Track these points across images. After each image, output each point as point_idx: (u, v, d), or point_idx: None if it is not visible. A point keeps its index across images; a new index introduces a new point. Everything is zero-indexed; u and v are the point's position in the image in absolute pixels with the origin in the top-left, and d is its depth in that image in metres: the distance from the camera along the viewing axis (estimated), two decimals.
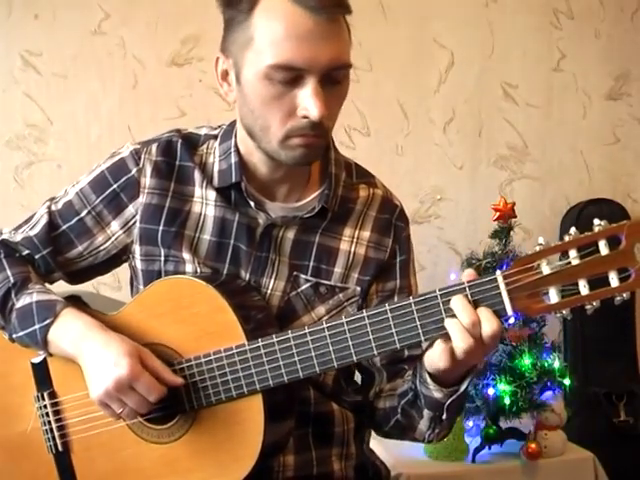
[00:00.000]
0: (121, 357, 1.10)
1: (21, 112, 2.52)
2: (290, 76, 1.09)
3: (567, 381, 2.30)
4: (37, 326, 1.18)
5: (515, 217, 2.37)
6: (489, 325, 1.01)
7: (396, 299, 1.28)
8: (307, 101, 1.10)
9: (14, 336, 1.22)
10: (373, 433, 1.38)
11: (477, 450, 2.22)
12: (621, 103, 2.89)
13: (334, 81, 1.13)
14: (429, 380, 1.13)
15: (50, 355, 1.22)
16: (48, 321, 1.18)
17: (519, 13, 2.79)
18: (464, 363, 1.07)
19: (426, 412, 1.18)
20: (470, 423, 2.28)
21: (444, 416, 1.17)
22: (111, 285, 2.31)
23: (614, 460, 2.36)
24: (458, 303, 1.03)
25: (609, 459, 2.32)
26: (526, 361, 2.22)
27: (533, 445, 2.21)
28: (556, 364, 2.28)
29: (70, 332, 1.17)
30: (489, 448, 2.25)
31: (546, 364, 2.26)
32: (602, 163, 2.89)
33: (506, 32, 2.78)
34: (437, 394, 1.14)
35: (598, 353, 2.66)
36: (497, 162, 2.81)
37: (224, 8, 1.16)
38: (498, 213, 2.35)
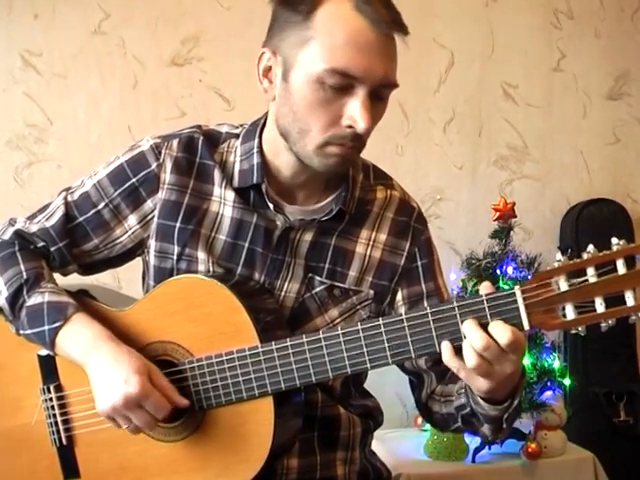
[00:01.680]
0: (131, 374, 1.10)
1: (21, 112, 2.52)
2: (342, 83, 1.09)
3: (567, 381, 2.31)
4: (46, 327, 1.18)
5: (515, 217, 2.37)
6: (503, 336, 1.00)
7: (426, 304, 1.27)
8: (356, 111, 1.10)
9: (21, 332, 1.22)
10: (374, 435, 1.38)
11: (477, 450, 2.22)
12: (621, 103, 2.89)
13: (379, 97, 1.14)
14: (482, 402, 1.12)
15: (56, 355, 1.21)
16: (58, 324, 1.17)
17: (519, 13, 2.79)
18: (501, 380, 1.05)
19: (486, 425, 1.17)
20: None
21: (504, 426, 1.16)
22: (111, 285, 2.30)
23: (614, 460, 2.36)
24: (468, 328, 1.02)
25: (609, 459, 2.31)
26: (526, 361, 2.22)
27: (533, 445, 2.21)
28: (556, 364, 2.28)
29: (79, 339, 1.16)
30: (489, 448, 2.25)
31: (546, 364, 2.27)
32: (602, 163, 2.89)
33: (506, 32, 2.78)
34: (493, 412, 1.13)
35: (598, 353, 2.65)
36: (497, 162, 2.81)
37: (278, 6, 1.15)
38: (498, 213, 2.35)
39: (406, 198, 1.32)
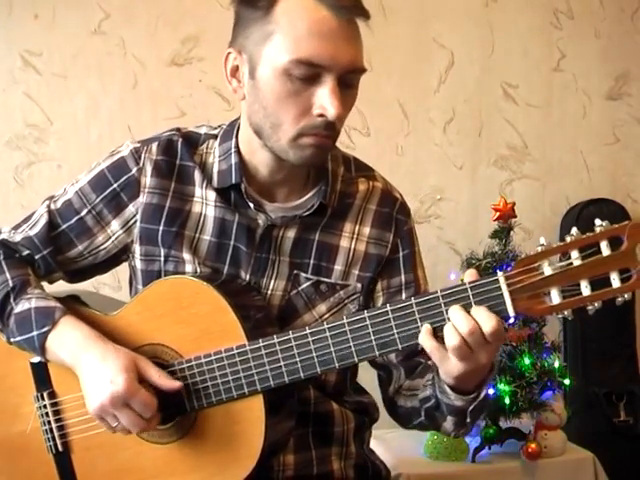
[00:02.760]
0: (118, 373, 1.10)
1: (21, 112, 2.52)
2: (310, 73, 1.10)
3: (567, 381, 2.30)
4: (35, 333, 1.18)
5: (515, 217, 2.36)
6: (488, 324, 1.01)
7: (404, 295, 1.28)
8: (325, 100, 1.10)
9: (12, 340, 1.22)
10: (373, 433, 1.38)
11: (477, 450, 2.22)
12: (621, 103, 2.89)
13: (348, 84, 1.13)
14: (449, 391, 1.12)
15: (47, 361, 1.22)
16: (46, 328, 1.17)
17: (519, 13, 2.79)
18: (474, 368, 1.06)
19: (449, 418, 1.18)
20: None
21: (468, 420, 1.17)
22: (111, 285, 2.31)
23: (614, 460, 2.36)
24: (454, 311, 1.02)
25: (609, 459, 2.31)
26: (526, 361, 2.22)
27: (533, 445, 2.21)
28: (556, 364, 2.27)
29: (68, 342, 1.17)
30: (489, 448, 2.25)
31: (546, 364, 2.26)
32: (602, 163, 2.88)
33: (506, 32, 2.78)
34: (458, 402, 1.13)
35: (598, 353, 2.66)
36: (497, 162, 2.81)
37: (239, 5, 1.16)
38: (498, 213, 2.35)
39: (388, 189, 1.32)
